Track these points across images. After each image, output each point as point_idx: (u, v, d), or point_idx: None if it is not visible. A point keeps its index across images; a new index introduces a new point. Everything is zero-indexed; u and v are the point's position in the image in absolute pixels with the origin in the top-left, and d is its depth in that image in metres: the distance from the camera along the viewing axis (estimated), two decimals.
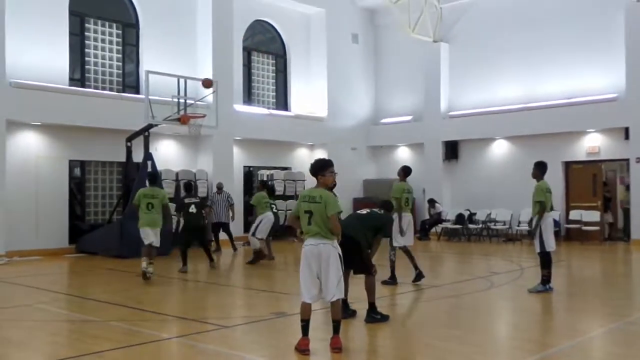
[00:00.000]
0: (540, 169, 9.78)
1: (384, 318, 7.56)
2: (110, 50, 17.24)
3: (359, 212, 8.03)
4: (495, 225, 18.86)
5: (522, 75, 19.32)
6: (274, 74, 21.50)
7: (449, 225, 19.74)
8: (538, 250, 9.52)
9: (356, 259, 7.35)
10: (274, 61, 21.48)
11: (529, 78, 19.17)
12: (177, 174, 17.61)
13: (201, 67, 18.20)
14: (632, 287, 10.97)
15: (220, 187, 16.34)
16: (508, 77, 19.63)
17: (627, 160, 17.37)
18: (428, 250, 17.33)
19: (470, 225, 19.17)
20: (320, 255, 6.01)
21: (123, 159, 15.80)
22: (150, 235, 11.15)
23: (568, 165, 18.65)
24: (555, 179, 18.55)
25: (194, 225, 12.50)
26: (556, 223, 17.75)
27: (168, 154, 17.93)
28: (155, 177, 12.12)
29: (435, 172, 20.95)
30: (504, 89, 19.66)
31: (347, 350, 6.29)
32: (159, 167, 15.88)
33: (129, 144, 15.55)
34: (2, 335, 7.20)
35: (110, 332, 7.25)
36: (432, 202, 20.07)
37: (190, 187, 13.46)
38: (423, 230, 19.99)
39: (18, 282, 11.30)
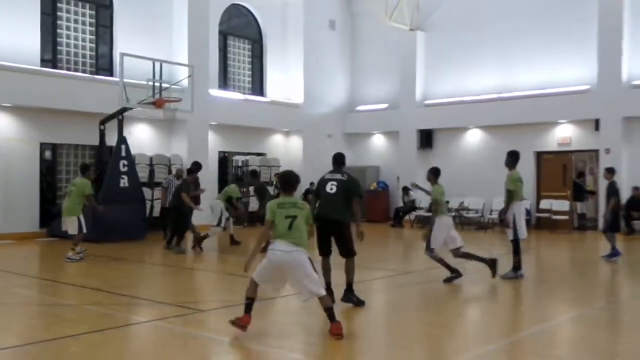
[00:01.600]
0: (513, 158, 9.91)
1: (360, 302, 7.66)
2: (84, 32, 16.96)
3: (326, 191, 7.70)
4: (467, 213, 19.12)
5: (496, 65, 19.55)
6: (250, 59, 21.39)
7: (422, 212, 19.96)
8: (511, 237, 9.72)
9: (340, 241, 7.57)
10: (250, 46, 21.36)
11: (504, 68, 19.41)
12: (151, 158, 17.46)
13: (176, 51, 18.03)
14: (599, 275, 11.27)
15: (179, 175, 14.73)
16: (483, 67, 19.84)
17: (597, 151, 17.74)
18: (402, 237, 17.53)
19: None
20: (292, 262, 6.01)
21: (96, 142, 15.61)
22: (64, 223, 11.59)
23: (539, 155, 18.98)
24: (526, 168, 18.84)
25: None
26: (527, 212, 18.19)
27: (142, 138, 17.76)
28: (84, 168, 11.98)
29: (409, 160, 21.13)
30: (479, 78, 19.88)
31: (322, 336, 6.37)
32: (133, 151, 15.75)
33: (102, 127, 15.36)
34: None
35: (86, 315, 7.23)
36: (406, 190, 20.25)
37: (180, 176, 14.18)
38: (397, 218, 20.19)
39: None
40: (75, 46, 16.80)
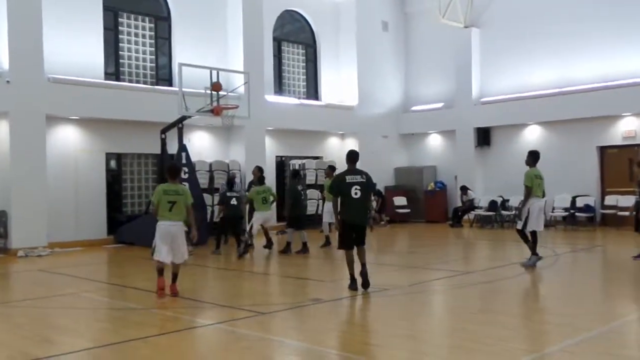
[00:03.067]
0: (532, 157, 10.71)
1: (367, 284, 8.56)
2: (144, 44, 17.54)
3: (352, 197, 8.54)
4: None
5: (554, 59, 19.05)
6: (304, 64, 21.59)
7: (481, 212, 19.65)
8: (518, 227, 10.55)
9: (361, 236, 8.72)
10: (304, 51, 21.56)
11: (562, 62, 18.89)
12: (210, 164, 17.88)
13: (232, 58, 18.40)
14: None
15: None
16: (540, 61, 19.37)
17: None
18: (461, 237, 17.32)
19: (503, 212, 19.04)
20: (177, 233, 8.41)
21: (158, 150, 16.08)
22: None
23: (603, 150, 18.38)
24: (590, 164, 18.38)
25: (233, 215, 13.60)
26: (590, 208, 17.68)
27: (201, 145, 18.20)
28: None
29: (467, 159, 20.84)
30: (537, 73, 19.42)
31: (382, 337, 6.41)
32: (193, 159, 16.15)
33: (163, 136, 15.80)
34: (52, 322, 7.51)
35: (153, 319, 7.50)
36: (464, 189, 19.99)
37: (232, 183, 14.47)
38: (456, 217, 19.95)
39: (62, 272, 11.68)
40: (137, 59, 17.40)
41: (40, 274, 11.53)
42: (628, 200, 17.27)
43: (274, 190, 14.70)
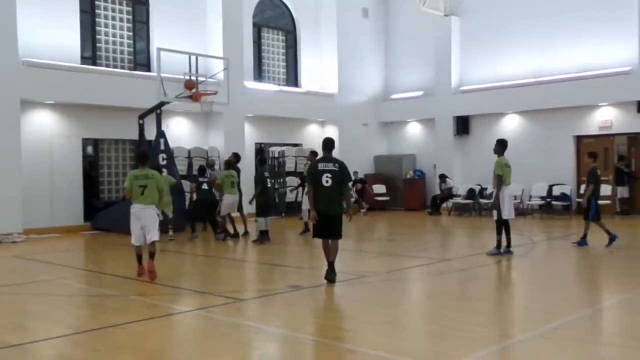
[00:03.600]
0: (500, 146, 10.81)
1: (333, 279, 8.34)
2: (121, 28, 17.29)
3: (323, 185, 8.34)
4: None
5: (534, 49, 19.18)
6: (284, 50, 21.47)
7: (460, 200, 19.80)
8: (495, 218, 10.59)
9: (335, 228, 8.44)
10: (284, 37, 21.44)
11: (541, 52, 19.03)
12: (189, 151, 17.74)
13: (211, 44, 18.22)
14: None
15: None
16: (520, 51, 19.49)
17: (639, 133, 17.29)
18: (439, 225, 17.45)
19: (481, 200, 19.20)
20: (148, 215, 8.85)
21: (135, 136, 15.92)
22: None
23: (580, 139, 18.60)
24: (566, 153, 18.59)
25: (205, 199, 13.69)
26: (566, 197, 17.91)
27: (180, 131, 18.05)
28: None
29: (446, 147, 20.96)
30: (516, 63, 19.54)
31: (358, 323, 6.44)
32: (171, 145, 16.01)
33: (141, 121, 15.64)
34: (28, 309, 7.43)
35: (131, 305, 7.45)
36: (443, 177, 20.12)
37: (203, 169, 14.34)
38: (434, 205, 20.09)
39: (38, 258, 11.53)
40: (114, 43, 17.14)
41: (14, 261, 11.37)
42: (603, 189, 17.53)
43: (242, 176, 14.81)
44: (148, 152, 11.21)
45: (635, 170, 17.92)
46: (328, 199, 8.36)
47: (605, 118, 18.00)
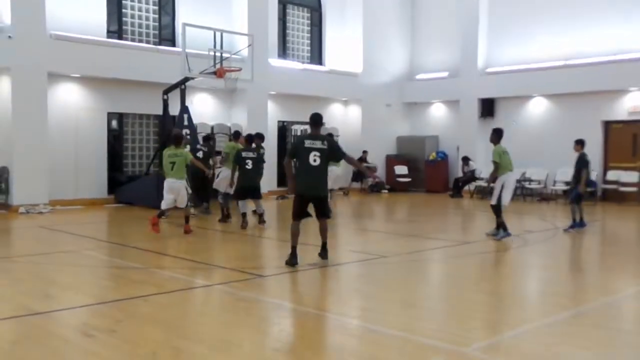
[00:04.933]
0: (496, 134, 10.77)
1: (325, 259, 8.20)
2: (147, 2, 17.29)
3: (310, 163, 7.85)
4: (530, 184, 18.69)
5: (562, 31, 18.80)
6: (309, 28, 21.33)
7: (482, 183, 19.63)
8: (493, 202, 10.56)
9: (321, 208, 8.11)
10: (309, 14, 21.28)
11: (570, 34, 18.65)
12: (212, 127, 17.80)
13: (236, 20, 18.17)
14: None
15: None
16: (548, 33, 19.12)
17: None
18: (460, 208, 17.35)
19: None
20: (179, 187, 10.56)
21: (160, 111, 15.99)
22: None
23: (608, 124, 18.28)
24: (593, 138, 18.25)
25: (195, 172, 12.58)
26: (592, 183, 17.61)
27: (203, 107, 18.10)
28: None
29: (470, 129, 20.75)
30: (544, 44, 19.19)
31: (379, 302, 6.45)
32: (195, 121, 16.06)
33: (165, 97, 15.68)
34: (53, 278, 7.57)
35: (153, 278, 7.55)
36: (466, 160, 19.96)
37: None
38: (456, 188, 19.96)
39: (63, 229, 11.72)
40: (140, 17, 17.17)
41: (41, 231, 11.58)
42: (630, 176, 17.30)
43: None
44: (182, 134, 11.90)
45: None
46: (314, 179, 7.93)
47: (635, 103, 17.64)
